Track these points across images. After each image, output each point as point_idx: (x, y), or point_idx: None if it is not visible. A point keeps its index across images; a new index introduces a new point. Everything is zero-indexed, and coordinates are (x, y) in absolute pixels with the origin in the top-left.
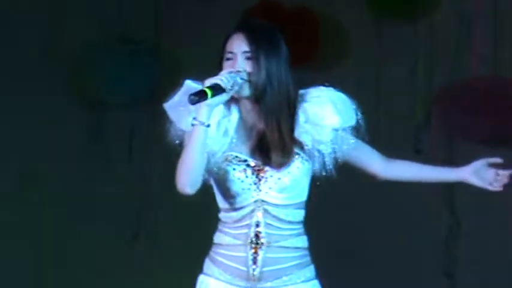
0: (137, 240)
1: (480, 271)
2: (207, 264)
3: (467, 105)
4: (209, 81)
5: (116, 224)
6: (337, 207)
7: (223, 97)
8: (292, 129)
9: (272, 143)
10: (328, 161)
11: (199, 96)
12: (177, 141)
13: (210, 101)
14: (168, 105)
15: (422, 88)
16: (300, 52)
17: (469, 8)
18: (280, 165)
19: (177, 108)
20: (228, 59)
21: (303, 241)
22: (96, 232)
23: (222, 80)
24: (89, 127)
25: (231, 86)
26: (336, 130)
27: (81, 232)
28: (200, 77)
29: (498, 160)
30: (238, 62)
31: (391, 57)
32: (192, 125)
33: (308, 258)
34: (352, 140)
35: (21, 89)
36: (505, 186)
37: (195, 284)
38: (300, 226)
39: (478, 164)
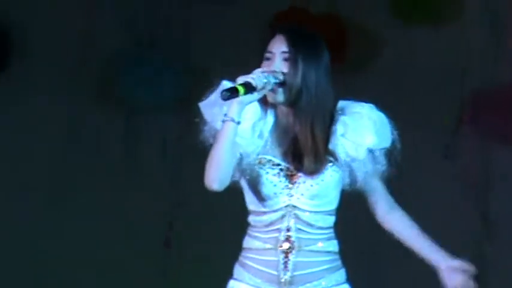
0: (169, 247)
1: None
2: (237, 269)
3: (499, 109)
4: (242, 79)
5: (148, 230)
6: (366, 210)
7: (255, 96)
8: (326, 138)
9: (305, 148)
10: (358, 178)
11: (231, 93)
12: (210, 142)
13: (241, 98)
14: (203, 105)
15: (454, 92)
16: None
17: (501, 10)
18: (311, 172)
19: (212, 107)
20: (266, 59)
21: (333, 245)
22: (128, 238)
23: (254, 78)
24: (121, 133)
25: (263, 85)
26: (371, 150)
27: (113, 239)
28: (233, 80)
29: (472, 270)
30: (276, 62)
31: (421, 60)
32: (223, 121)
33: (339, 262)
34: (384, 164)
35: (54, 97)
36: None
37: None
38: (330, 231)
39: (456, 264)
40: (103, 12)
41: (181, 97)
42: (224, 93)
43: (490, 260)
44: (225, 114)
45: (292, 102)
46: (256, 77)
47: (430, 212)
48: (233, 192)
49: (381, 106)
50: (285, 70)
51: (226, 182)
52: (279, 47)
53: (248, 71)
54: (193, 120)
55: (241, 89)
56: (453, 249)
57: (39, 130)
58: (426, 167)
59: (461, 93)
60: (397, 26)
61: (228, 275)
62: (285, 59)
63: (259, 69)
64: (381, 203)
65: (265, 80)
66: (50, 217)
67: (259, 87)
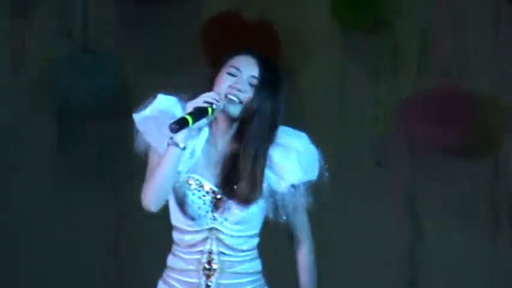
0: (114, 254)
1: (443, 278)
2: (161, 287)
3: (428, 116)
4: (190, 108)
5: (92, 236)
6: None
7: (205, 121)
8: (263, 167)
9: (243, 174)
10: (279, 210)
11: (180, 125)
12: (142, 150)
13: (198, 123)
14: (137, 117)
15: (384, 99)
16: None
17: (431, 19)
18: (245, 200)
19: (146, 121)
20: (231, 74)
21: (256, 265)
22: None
23: (209, 103)
24: (56, 137)
25: (218, 108)
26: (293, 185)
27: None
28: (162, 89)
29: None
30: (243, 82)
31: (354, 67)
32: (168, 144)
33: (262, 282)
34: (306, 198)
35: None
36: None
37: None
38: (254, 252)
39: None
40: (37, 15)
41: (114, 102)
42: (173, 126)
43: (421, 260)
44: (171, 138)
45: (246, 121)
46: (212, 101)
47: (365, 217)
48: None
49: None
50: (250, 95)
51: (162, 203)
52: (248, 69)
53: (181, 77)
54: (126, 125)
55: (190, 119)
56: (387, 251)
57: None
58: (358, 174)
59: (392, 101)
60: (334, 32)
61: None
62: (252, 85)
63: (216, 91)
64: (300, 238)
65: (221, 104)
66: None
67: (210, 112)
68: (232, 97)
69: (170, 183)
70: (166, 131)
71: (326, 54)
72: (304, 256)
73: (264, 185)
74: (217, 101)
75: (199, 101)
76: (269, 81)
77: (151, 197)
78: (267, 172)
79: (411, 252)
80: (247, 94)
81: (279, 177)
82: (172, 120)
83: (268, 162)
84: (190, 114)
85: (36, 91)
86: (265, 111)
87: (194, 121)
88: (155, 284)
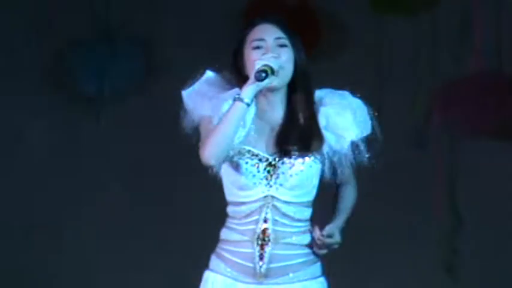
0: (141, 236)
1: (481, 266)
2: (213, 261)
3: (469, 100)
4: (262, 63)
5: (113, 218)
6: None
7: (269, 81)
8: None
9: (303, 131)
10: (338, 170)
11: (265, 73)
12: (190, 128)
13: (261, 82)
14: (186, 93)
15: (423, 82)
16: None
17: (470, 3)
18: (309, 150)
19: (196, 96)
20: (257, 47)
21: (309, 239)
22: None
23: (273, 63)
24: (78, 120)
25: (278, 71)
26: (354, 141)
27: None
28: (189, 73)
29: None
30: (271, 48)
31: (392, 51)
32: (234, 100)
33: (315, 256)
34: (366, 153)
35: (7, 85)
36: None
37: (200, 280)
38: (307, 224)
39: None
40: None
41: (139, 87)
42: (259, 74)
43: (460, 251)
44: (238, 95)
45: (289, 87)
46: (273, 61)
47: (401, 201)
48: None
49: (369, 108)
50: (283, 56)
51: (221, 159)
52: (270, 34)
53: (210, 60)
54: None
55: (269, 71)
56: (423, 239)
57: None
58: (398, 156)
59: (431, 84)
60: (369, 16)
61: (204, 266)
62: (280, 45)
63: (268, 55)
64: (343, 180)
65: (277, 65)
66: None
67: (276, 71)
68: (275, 55)
69: (233, 137)
70: (217, 102)
71: (364, 37)
72: (349, 189)
73: (325, 146)
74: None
75: (268, 61)
76: (294, 38)
77: (213, 150)
78: (325, 133)
79: (450, 238)
80: (283, 56)
81: (339, 136)
82: (256, 70)
83: (324, 123)
84: (269, 68)
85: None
86: (302, 64)
87: (271, 74)
88: (208, 259)
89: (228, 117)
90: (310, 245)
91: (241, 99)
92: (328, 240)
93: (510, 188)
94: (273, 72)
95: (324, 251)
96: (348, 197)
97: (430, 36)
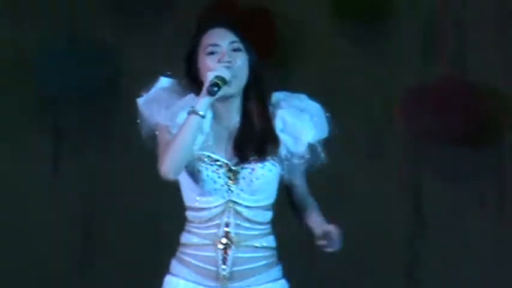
0: (91, 243)
1: (442, 272)
2: (174, 265)
3: (431, 106)
4: (214, 75)
5: (69, 226)
6: None
7: (224, 91)
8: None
9: (258, 129)
10: (296, 171)
11: (217, 88)
12: (146, 135)
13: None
14: (142, 101)
15: (385, 89)
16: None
17: (431, 8)
18: (265, 154)
19: (152, 103)
20: (211, 53)
21: (271, 241)
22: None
23: (225, 73)
24: (44, 126)
25: (229, 80)
26: (311, 144)
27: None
28: (149, 77)
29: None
30: (226, 53)
31: (353, 56)
32: (188, 113)
33: (276, 258)
34: (322, 155)
35: None
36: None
37: (161, 285)
38: (268, 226)
39: (328, 228)
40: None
41: (99, 90)
42: (211, 88)
43: (422, 255)
44: (192, 107)
45: (243, 93)
46: (224, 71)
47: (364, 209)
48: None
49: (325, 110)
50: (239, 60)
51: (180, 172)
52: (225, 39)
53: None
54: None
55: (221, 83)
56: (388, 245)
57: None
58: (359, 164)
59: (393, 92)
60: (328, 21)
61: (162, 271)
62: (235, 49)
63: (221, 64)
64: (300, 198)
65: (230, 74)
66: None
67: (228, 81)
68: (227, 64)
69: (190, 151)
70: (174, 109)
71: (324, 44)
72: (313, 207)
73: (282, 149)
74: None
75: (219, 71)
76: (246, 41)
77: (171, 164)
78: (283, 135)
79: (413, 248)
80: (238, 60)
81: (296, 138)
82: (208, 84)
83: (281, 126)
84: (220, 79)
85: (24, 81)
86: (258, 68)
87: (222, 86)
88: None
89: (183, 131)
90: (271, 248)
91: (195, 112)
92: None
93: (472, 193)
94: (225, 82)
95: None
96: (314, 210)
97: (393, 43)
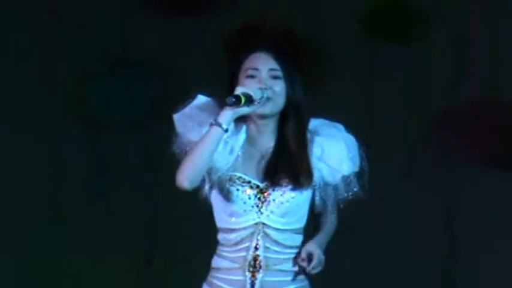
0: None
1: None
2: None
3: (465, 128)
4: (241, 90)
5: (127, 249)
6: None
7: (249, 109)
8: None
9: (294, 158)
10: (328, 201)
11: (236, 99)
12: (180, 152)
13: (238, 108)
14: (177, 116)
15: (417, 111)
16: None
17: (467, 31)
18: (299, 186)
19: (186, 120)
20: (251, 76)
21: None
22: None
23: (253, 91)
24: (89, 148)
25: (259, 100)
26: (345, 176)
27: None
28: (210, 94)
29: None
30: (264, 78)
31: (384, 79)
32: (211, 124)
33: (306, 282)
34: (356, 188)
35: (21, 110)
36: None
37: None
38: (298, 250)
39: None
40: (72, 28)
41: (150, 114)
42: (230, 98)
43: (457, 281)
44: (215, 119)
45: (281, 116)
46: (255, 91)
47: (397, 229)
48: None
49: (345, 123)
50: (276, 88)
51: (197, 183)
52: (265, 65)
53: (217, 85)
54: (161, 137)
55: (243, 99)
56: (421, 269)
57: (7, 145)
58: (392, 185)
59: (428, 112)
60: (360, 42)
61: None
62: (274, 77)
63: (254, 85)
64: (325, 213)
65: (260, 96)
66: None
67: (256, 101)
68: (262, 86)
69: (207, 162)
70: (207, 127)
71: (354, 65)
72: (329, 217)
73: (317, 177)
74: (263, 89)
75: (248, 89)
76: (289, 69)
77: (187, 174)
78: (318, 163)
79: (447, 270)
80: (275, 88)
81: (332, 168)
82: (230, 95)
83: (319, 153)
84: (243, 94)
85: (73, 103)
86: (295, 97)
87: (245, 102)
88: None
89: (203, 141)
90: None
91: (218, 124)
92: (312, 265)
93: (507, 218)
94: (251, 100)
95: (315, 270)
96: (329, 223)
97: (424, 63)
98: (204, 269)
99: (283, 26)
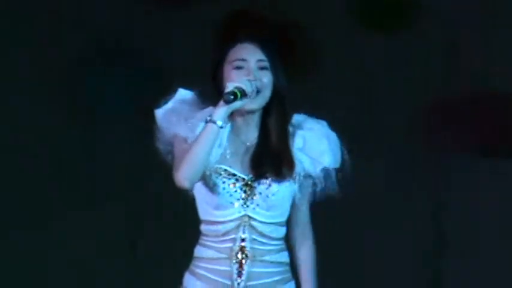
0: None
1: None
2: (188, 278)
3: (456, 117)
4: (233, 85)
5: (112, 237)
6: (326, 222)
7: (242, 103)
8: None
9: (275, 150)
10: (305, 193)
11: (234, 96)
12: (163, 146)
13: (234, 103)
14: (159, 112)
15: (406, 104)
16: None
17: (456, 19)
18: (281, 174)
19: (170, 115)
20: (238, 67)
21: (285, 256)
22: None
23: (246, 85)
24: (80, 139)
25: (251, 93)
26: (326, 168)
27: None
28: (190, 88)
29: None
30: (252, 69)
31: (378, 68)
32: (206, 122)
33: (289, 274)
34: (334, 183)
35: (12, 102)
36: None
37: None
38: (282, 242)
39: None
40: (64, 19)
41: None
42: (227, 96)
43: (445, 277)
44: (210, 116)
45: (264, 109)
46: (246, 84)
47: (386, 224)
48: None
49: (334, 115)
50: (264, 79)
51: (196, 181)
52: (253, 55)
53: (204, 77)
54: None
55: (238, 94)
56: (409, 265)
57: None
58: (380, 181)
59: (418, 104)
60: (351, 33)
61: (175, 283)
62: (261, 68)
63: (243, 78)
64: (301, 223)
65: (252, 89)
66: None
67: (249, 94)
68: (251, 78)
69: (206, 160)
70: (193, 122)
71: (344, 55)
72: (310, 252)
73: (298, 168)
74: (252, 81)
75: (240, 83)
76: (275, 60)
77: (187, 172)
78: (301, 155)
79: (435, 265)
80: (263, 79)
81: (313, 160)
82: (225, 92)
83: (301, 144)
84: (239, 90)
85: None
86: (281, 88)
87: (240, 97)
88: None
89: (200, 140)
90: (285, 263)
91: (213, 121)
92: None
93: (498, 207)
94: (244, 94)
95: None
96: (310, 263)
97: (415, 54)
98: (185, 258)
99: (274, 16)
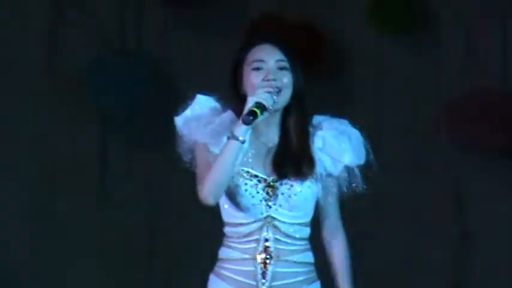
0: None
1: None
2: (213, 280)
3: (475, 117)
4: (253, 100)
5: (129, 242)
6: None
7: (263, 116)
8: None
9: (296, 150)
10: (330, 192)
11: (253, 116)
12: (185, 153)
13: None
14: (179, 119)
15: (426, 102)
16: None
17: (472, 20)
18: (302, 174)
19: (189, 121)
20: (257, 68)
21: (309, 257)
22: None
23: (265, 99)
24: (90, 139)
25: (271, 105)
26: (348, 167)
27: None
28: (199, 90)
29: None
30: (271, 70)
31: (393, 71)
32: (228, 138)
33: (314, 274)
34: (359, 181)
35: (23, 103)
36: None
37: None
38: (307, 242)
39: None
40: (73, 20)
41: (147, 104)
42: (246, 117)
43: (469, 270)
44: (231, 133)
45: (284, 110)
46: (266, 98)
47: (409, 217)
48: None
49: (356, 115)
50: (285, 79)
51: (220, 197)
52: (272, 56)
53: (219, 80)
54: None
55: (258, 112)
56: (432, 261)
57: (7, 135)
58: (402, 177)
59: (436, 103)
60: (372, 36)
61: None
62: (280, 68)
63: (262, 89)
64: (330, 221)
65: (272, 101)
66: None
67: (269, 108)
68: (270, 89)
69: (229, 176)
70: (212, 127)
71: (365, 57)
72: (343, 249)
73: (319, 167)
74: (275, 91)
75: (259, 97)
76: (294, 60)
77: (211, 190)
78: (321, 155)
79: (457, 257)
80: (284, 79)
81: (334, 160)
82: (245, 113)
83: (321, 145)
84: (258, 107)
85: (74, 93)
86: (300, 88)
87: (261, 114)
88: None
89: (223, 157)
90: (310, 263)
91: (235, 138)
92: None
93: None
94: (265, 109)
95: None
96: (343, 260)
97: (432, 55)
98: (207, 260)
99: (302, 19)
